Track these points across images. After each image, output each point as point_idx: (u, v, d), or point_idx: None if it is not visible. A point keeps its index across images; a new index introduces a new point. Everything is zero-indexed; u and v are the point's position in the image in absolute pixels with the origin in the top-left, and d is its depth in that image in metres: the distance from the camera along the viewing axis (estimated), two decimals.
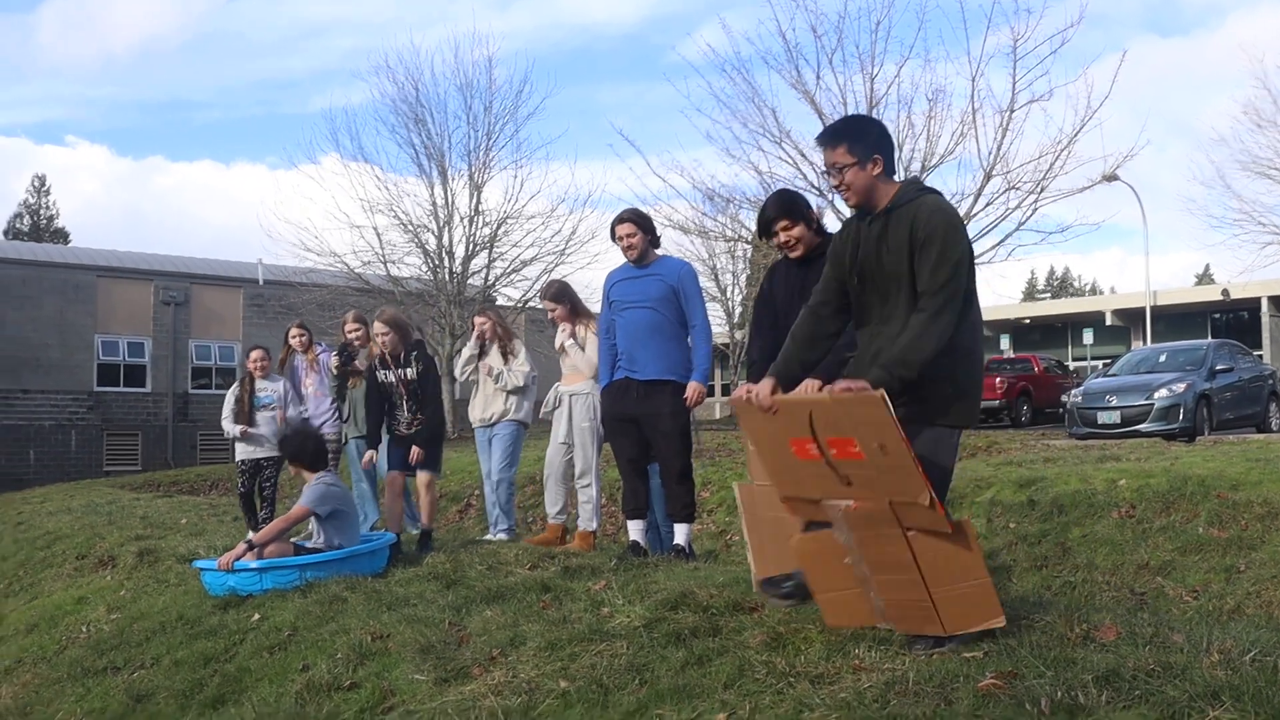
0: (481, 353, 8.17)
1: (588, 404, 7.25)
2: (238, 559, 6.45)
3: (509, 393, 7.97)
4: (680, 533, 6.53)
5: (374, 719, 4.11)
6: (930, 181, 9.31)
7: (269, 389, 9.19)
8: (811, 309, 4.10)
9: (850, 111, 18.09)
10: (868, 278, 3.91)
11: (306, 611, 5.64)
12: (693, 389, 6.32)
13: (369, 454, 7.79)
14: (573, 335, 7.62)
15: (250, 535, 7.26)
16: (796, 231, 5.07)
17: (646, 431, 6.35)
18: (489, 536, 8.08)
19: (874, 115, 16.67)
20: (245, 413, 9.11)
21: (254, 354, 9.33)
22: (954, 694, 3.18)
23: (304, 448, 7.15)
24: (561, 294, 7.72)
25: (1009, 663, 3.33)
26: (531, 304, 26.37)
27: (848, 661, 3.61)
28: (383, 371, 7.55)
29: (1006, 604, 4.16)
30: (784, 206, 5.13)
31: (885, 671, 3.43)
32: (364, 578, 6.45)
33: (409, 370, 7.47)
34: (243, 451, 9.16)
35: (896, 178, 3.97)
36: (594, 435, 7.26)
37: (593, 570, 5.76)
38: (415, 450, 7.31)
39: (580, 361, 7.39)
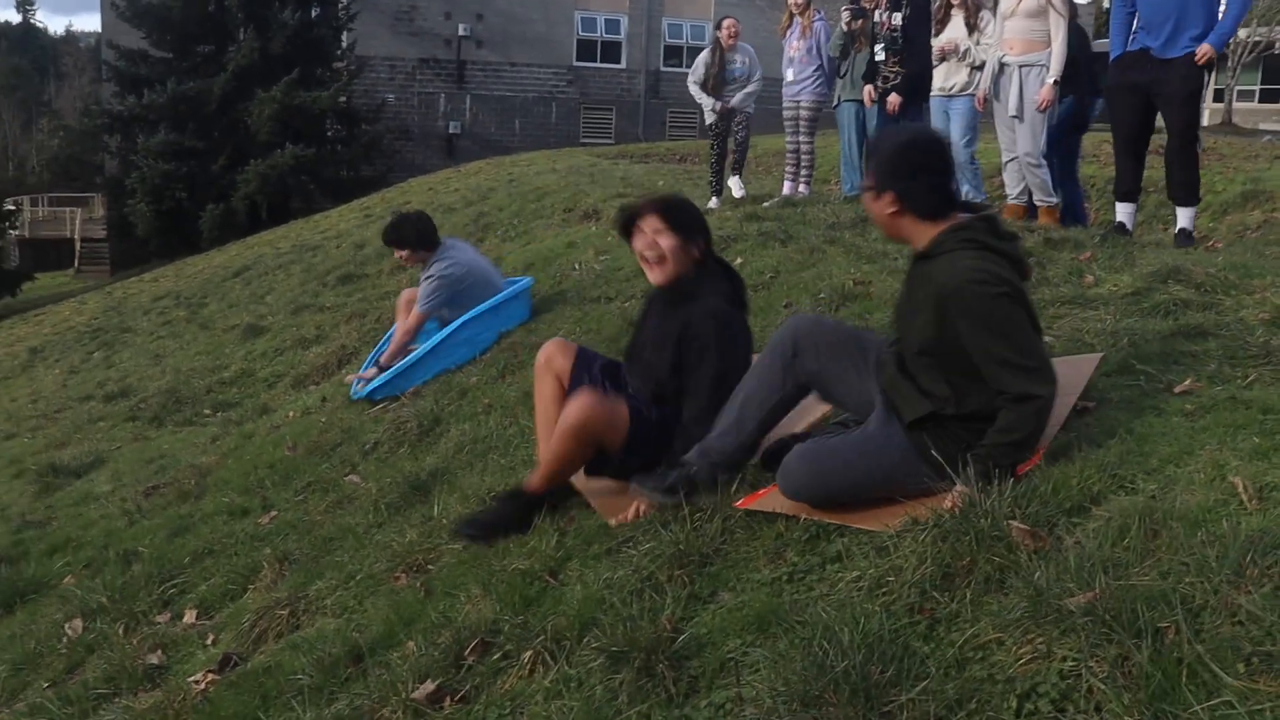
0: (946, 20, 7.73)
1: (1041, 77, 6.77)
2: (370, 379, 6.41)
3: (973, 67, 7.52)
4: (1182, 216, 6.08)
5: None
6: None
7: (739, 61, 9.11)
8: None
9: None
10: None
11: (788, 258, 5.95)
12: (1203, 48, 5.73)
13: None
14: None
15: None
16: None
17: (1155, 100, 5.91)
18: None
19: None
20: (714, 84, 9.11)
21: (725, 23, 9.10)
22: None
23: (404, 234, 6.66)
24: None
25: None
26: None
27: None
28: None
29: None
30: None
31: None
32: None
33: (896, 15, 7.59)
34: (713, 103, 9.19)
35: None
36: (1047, 112, 6.82)
37: (1075, 243, 5.62)
38: (894, 98, 7.27)
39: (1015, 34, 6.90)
